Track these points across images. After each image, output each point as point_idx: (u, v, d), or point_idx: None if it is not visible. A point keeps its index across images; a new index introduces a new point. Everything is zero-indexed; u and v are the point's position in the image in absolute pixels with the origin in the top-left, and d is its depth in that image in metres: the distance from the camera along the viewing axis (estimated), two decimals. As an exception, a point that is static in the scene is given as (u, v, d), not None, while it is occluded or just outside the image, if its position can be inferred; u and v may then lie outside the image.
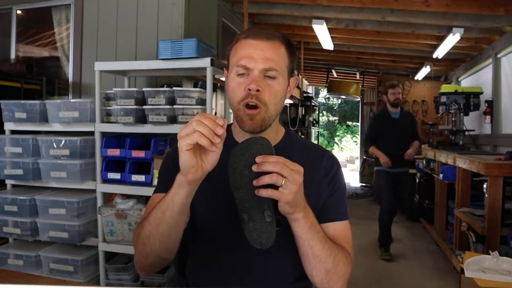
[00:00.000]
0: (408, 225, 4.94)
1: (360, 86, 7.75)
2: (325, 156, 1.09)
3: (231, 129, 1.10)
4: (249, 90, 0.95)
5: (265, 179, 0.80)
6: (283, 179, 0.79)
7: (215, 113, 3.45)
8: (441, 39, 4.39)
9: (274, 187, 0.81)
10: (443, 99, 4.06)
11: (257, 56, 0.96)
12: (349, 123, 15.98)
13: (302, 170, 0.83)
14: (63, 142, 2.24)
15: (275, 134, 1.08)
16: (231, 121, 1.11)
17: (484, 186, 2.79)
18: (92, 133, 2.26)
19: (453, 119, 4.14)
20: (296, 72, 6.01)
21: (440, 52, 4.72)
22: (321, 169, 1.06)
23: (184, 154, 0.78)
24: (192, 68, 2.21)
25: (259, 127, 0.97)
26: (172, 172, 0.88)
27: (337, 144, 15.79)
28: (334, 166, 1.08)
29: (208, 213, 1.03)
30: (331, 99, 15.94)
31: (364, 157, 8.36)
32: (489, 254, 1.75)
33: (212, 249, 1.04)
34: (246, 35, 0.99)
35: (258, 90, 0.95)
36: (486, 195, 2.71)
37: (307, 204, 0.89)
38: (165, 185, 0.99)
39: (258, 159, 0.81)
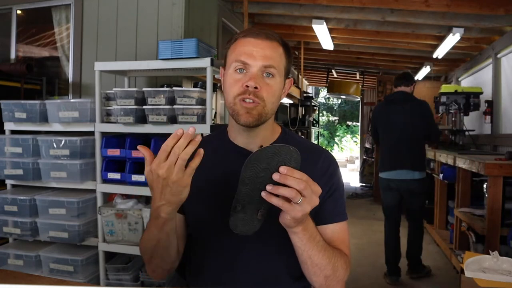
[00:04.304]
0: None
1: (360, 86, 7.76)
2: (322, 156, 1.08)
3: (226, 131, 1.10)
4: (247, 87, 0.94)
5: (283, 191, 0.78)
6: (301, 198, 0.79)
7: (215, 113, 3.45)
8: (441, 39, 4.39)
9: (287, 198, 0.79)
10: (443, 99, 4.06)
11: (257, 53, 0.96)
12: (349, 123, 15.98)
13: (320, 191, 0.82)
14: (63, 142, 2.24)
15: (270, 133, 1.07)
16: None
17: (484, 186, 2.79)
18: (92, 133, 2.26)
19: (453, 119, 4.14)
20: (294, 72, 5.96)
21: (440, 52, 4.72)
22: (317, 169, 1.04)
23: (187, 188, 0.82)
24: (192, 68, 2.21)
25: (255, 121, 0.96)
26: None
27: (337, 144, 15.79)
28: (331, 166, 1.07)
29: (204, 214, 1.03)
30: (331, 99, 15.94)
31: (364, 157, 8.36)
32: (489, 254, 1.75)
33: (208, 250, 1.04)
34: (246, 34, 0.99)
35: (256, 88, 0.94)
36: (486, 195, 2.70)
37: (309, 217, 0.88)
38: None
39: (283, 169, 0.78)
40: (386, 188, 3.19)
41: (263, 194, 0.79)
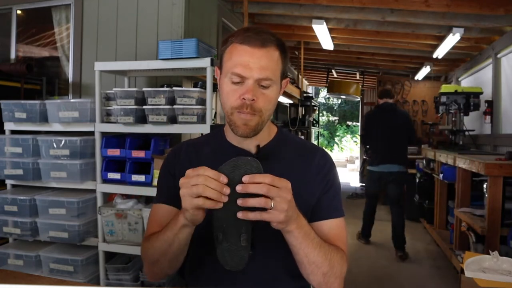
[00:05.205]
0: (408, 225, 4.92)
1: (360, 86, 7.75)
2: (317, 154, 1.09)
3: (223, 131, 1.10)
4: (244, 99, 0.94)
5: (252, 202, 0.78)
6: (272, 201, 0.78)
7: (215, 113, 3.44)
8: (441, 39, 4.39)
9: (261, 208, 0.79)
10: (443, 99, 4.06)
11: (253, 65, 0.94)
12: (349, 123, 15.98)
13: (289, 185, 0.82)
14: (63, 142, 2.24)
15: (267, 133, 1.08)
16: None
17: (484, 186, 2.79)
18: (92, 133, 2.26)
19: (453, 119, 4.14)
20: (294, 72, 5.93)
21: (440, 52, 4.72)
22: (313, 168, 1.05)
23: (199, 212, 0.83)
24: (192, 68, 2.21)
25: (252, 132, 0.98)
26: (169, 182, 0.89)
27: (337, 144, 15.79)
28: (326, 164, 1.08)
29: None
30: (331, 99, 15.94)
31: (364, 157, 8.36)
32: (489, 254, 1.75)
33: (207, 250, 1.03)
34: (241, 40, 0.96)
35: (253, 100, 0.94)
36: (486, 195, 2.70)
37: (300, 214, 0.88)
38: (164, 196, 1.06)
39: (244, 178, 0.78)
40: (377, 178, 3.96)
41: (239, 215, 0.80)
